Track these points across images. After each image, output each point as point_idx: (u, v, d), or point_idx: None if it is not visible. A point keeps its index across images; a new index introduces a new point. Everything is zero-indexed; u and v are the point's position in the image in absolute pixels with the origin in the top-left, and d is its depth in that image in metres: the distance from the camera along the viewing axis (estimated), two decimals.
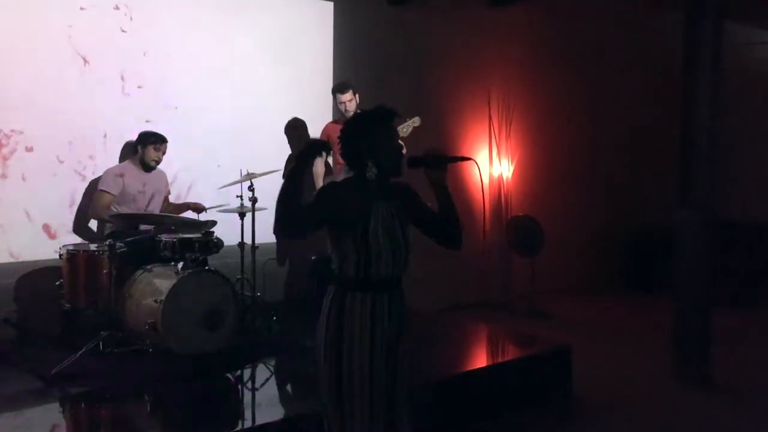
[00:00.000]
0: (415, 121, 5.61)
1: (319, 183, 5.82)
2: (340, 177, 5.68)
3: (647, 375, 5.63)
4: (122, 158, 5.55)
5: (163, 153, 5.33)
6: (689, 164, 5.48)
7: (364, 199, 2.73)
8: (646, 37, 9.14)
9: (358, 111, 2.72)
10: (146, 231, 5.12)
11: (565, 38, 8.50)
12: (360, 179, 2.78)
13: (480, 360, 5.56)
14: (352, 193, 2.73)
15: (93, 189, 5.36)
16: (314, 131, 6.40)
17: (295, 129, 6.44)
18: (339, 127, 6.21)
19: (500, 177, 8.10)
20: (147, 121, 5.61)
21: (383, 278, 2.73)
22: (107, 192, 5.15)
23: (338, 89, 5.82)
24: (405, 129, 5.58)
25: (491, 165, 8.07)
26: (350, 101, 5.71)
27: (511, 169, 8.16)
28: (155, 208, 5.38)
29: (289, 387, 4.79)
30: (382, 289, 2.74)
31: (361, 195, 2.73)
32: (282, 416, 4.02)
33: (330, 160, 6.04)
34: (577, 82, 8.72)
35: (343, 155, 2.85)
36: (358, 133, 2.80)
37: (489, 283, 7.98)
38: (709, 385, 5.39)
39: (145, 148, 5.26)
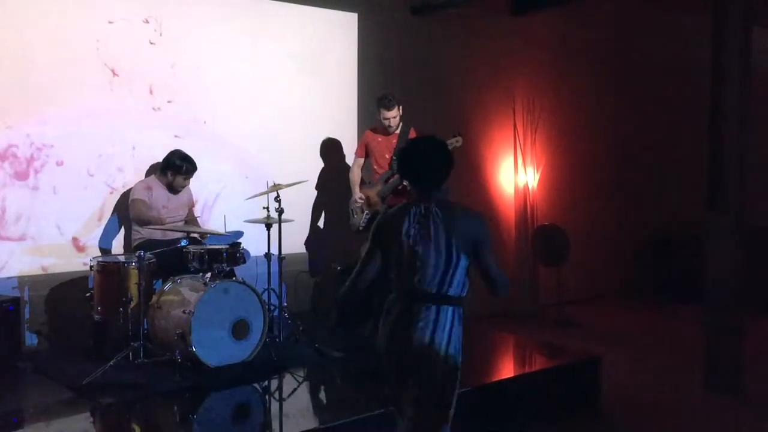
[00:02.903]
0: (458, 141, 5.57)
1: (356, 190, 5.82)
2: (377, 186, 5.68)
3: (677, 385, 5.56)
4: (148, 174, 5.63)
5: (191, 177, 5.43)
6: (718, 170, 5.42)
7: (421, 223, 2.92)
8: (672, 44, 9.06)
9: (431, 140, 2.75)
10: (176, 241, 5.17)
11: (589, 45, 8.46)
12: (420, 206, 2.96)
13: (507, 370, 5.53)
14: (402, 219, 2.93)
15: (123, 202, 5.45)
16: (341, 140, 6.45)
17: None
18: (378, 135, 6.18)
19: (525, 185, 8.06)
20: (176, 136, 5.69)
21: (412, 290, 2.94)
22: (141, 199, 5.25)
23: (385, 106, 5.67)
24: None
25: (516, 173, 8.04)
26: (394, 117, 5.68)
27: (537, 177, 8.12)
28: (178, 221, 5.43)
29: (316, 398, 4.80)
30: (411, 300, 2.93)
31: (416, 220, 2.92)
32: (309, 427, 4.01)
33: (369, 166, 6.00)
34: (602, 89, 8.66)
35: (433, 182, 3.01)
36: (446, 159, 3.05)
37: (515, 292, 7.94)
38: (742, 395, 5.30)
39: (176, 177, 5.33)
